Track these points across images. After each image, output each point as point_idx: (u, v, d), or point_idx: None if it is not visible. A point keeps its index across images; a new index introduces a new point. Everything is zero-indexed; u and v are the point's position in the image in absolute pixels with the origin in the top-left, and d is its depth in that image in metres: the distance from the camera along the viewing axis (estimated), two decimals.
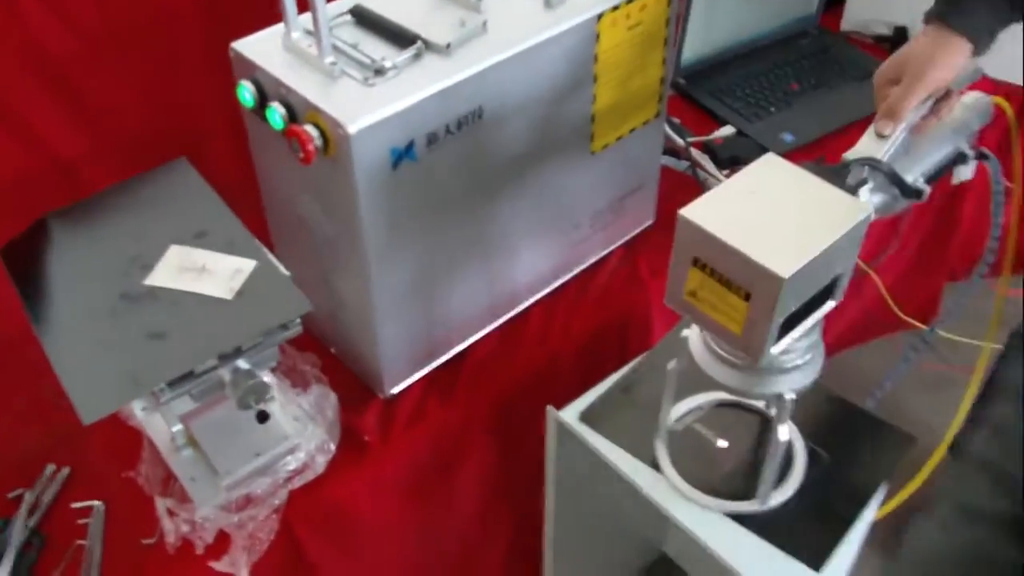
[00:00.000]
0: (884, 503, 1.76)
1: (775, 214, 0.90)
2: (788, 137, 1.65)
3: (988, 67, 1.80)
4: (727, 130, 1.63)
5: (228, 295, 1.04)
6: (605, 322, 1.40)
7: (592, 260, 1.44)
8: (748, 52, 1.86)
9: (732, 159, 1.57)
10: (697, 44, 1.77)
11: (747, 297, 0.87)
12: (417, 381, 1.28)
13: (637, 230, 1.48)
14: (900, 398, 2.11)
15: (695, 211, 0.89)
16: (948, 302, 2.19)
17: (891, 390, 2.14)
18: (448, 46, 1.04)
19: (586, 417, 1.21)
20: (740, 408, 1.24)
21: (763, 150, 1.60)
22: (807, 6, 1.91)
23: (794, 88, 1.77)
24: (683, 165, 1.56)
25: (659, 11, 1.21)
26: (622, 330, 1.43)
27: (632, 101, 1.28)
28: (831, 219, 0.89)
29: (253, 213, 1.24)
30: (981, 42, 1.05)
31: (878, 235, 1.92)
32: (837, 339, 2.15)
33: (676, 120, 1.63)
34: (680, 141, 1.56)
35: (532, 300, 1.38)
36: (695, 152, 1.57)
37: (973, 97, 1.16)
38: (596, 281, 1.43)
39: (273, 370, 1.22)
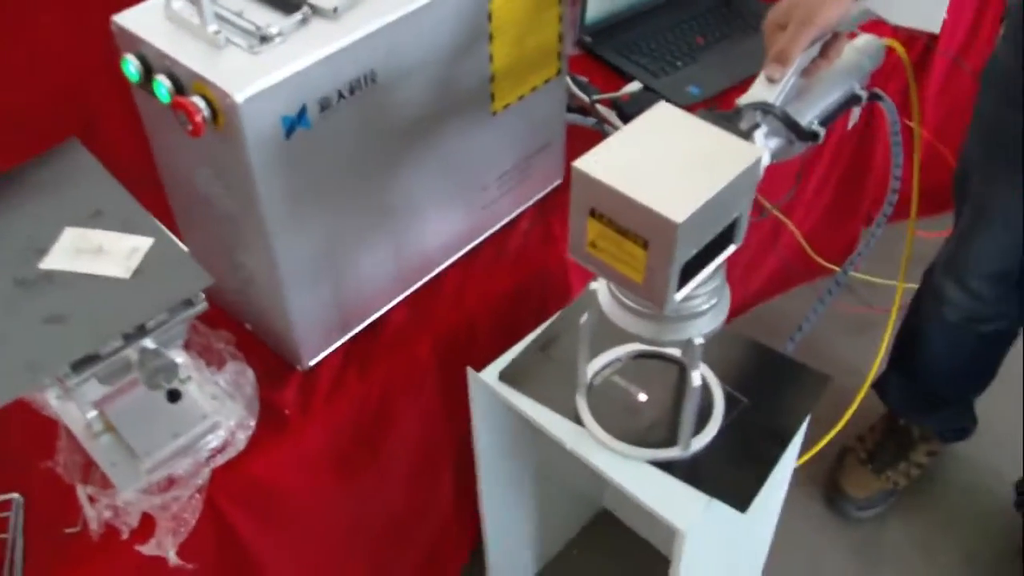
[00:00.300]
0: (816, 443, 1.81)
1: (668, 161, 0.90)
2: (694, 90, 1.66)
3: (891, 15, 1.83)
4: (634, 86, 1.63)
5: (126, 274, 1.02)
6: (521, 282, 1.40)
7: (504, 221, 1.44)
8: (652, 8, 1.85)
9: (639, 114, 1.58)
10: (601, 2, 1.76)
11: (645, 245, 0.88)
12: (334, 352, 1.28)
13: (547, 189, 1.48)
14: (825, 342, 2.16)
15: (588, 162, 0.89)
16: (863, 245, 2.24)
17: (816, 335, 2.19)
18: (335, 10, 1.03)
19: (506, 376, 1.22)
20: (658, 358, 1.26)
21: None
22: None
23: (699, 42, 1.78)
24: (591, 122, 1.56)
25: None
26: (540, 289, 1.44)
27: (531, 59, 1.28)
28: (723, 163, 0.89)
29: (155, 191, 1.22)
30: None
31: (792, 183, 1.94)
32: (760, 289, 2.19)
33: (583, 78, 1.63)
34: (586, 98, 1.56)
35: (445, 265, 1.38)
36: (602, 109, 1.57)
37: (864, 40, 1.18)
38: (509, 242, 1.43)
39: (188, 349, 1.21)
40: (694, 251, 0.89)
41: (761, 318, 2.22)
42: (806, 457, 1.80)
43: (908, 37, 1.90)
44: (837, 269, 2.06)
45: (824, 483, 1.92)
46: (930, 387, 1.81)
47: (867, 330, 2.15)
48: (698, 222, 0.86)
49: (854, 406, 1.81)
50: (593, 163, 0.89)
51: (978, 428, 1.90)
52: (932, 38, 1.93)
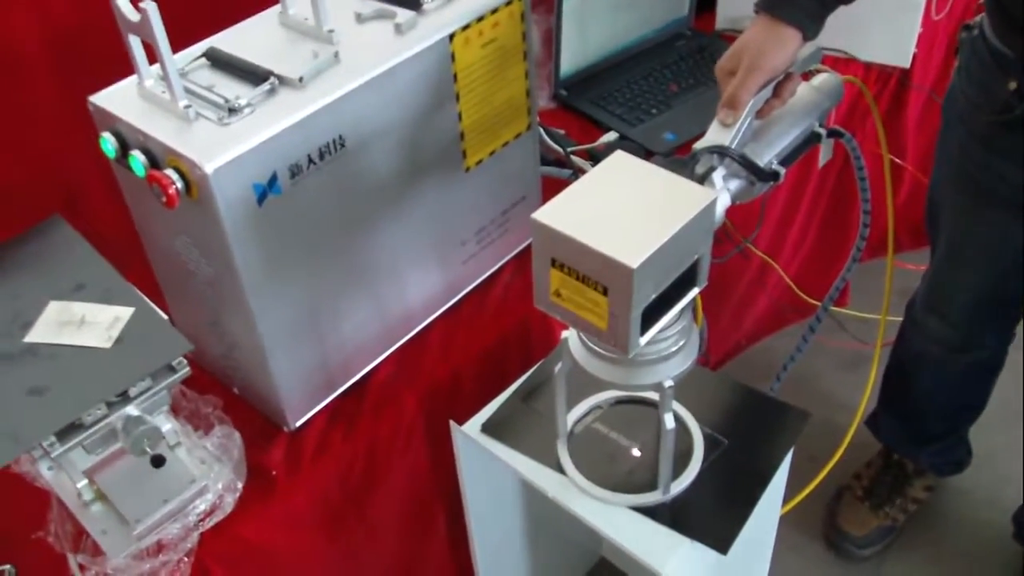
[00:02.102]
0: (810, 482, 1.81)
1: (624, 208, 0.92)
2: (670, 137, 1.69)
3: (860, 52, 1.87)
4: (610, 136, 1.66)
5: (107, 344, 1.05)
6: (505, 334, 1.42)
7: (485, 275, 1.46)
8: (626, 59, 1.89)
9: None
10: (574, 55, 1.80)
11: (605, 291, 0.90)
12: (320, 411, 1.29)
13: (526, 241, 1.50)
14: (820, 379, 2.17)
15: (547, 213, 0.92)
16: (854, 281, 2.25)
17: (811, 372, 2.20)
18: (301, 79, 1.06)
19: (488, 428, 1.23)
20: (638, 403, 1.27)
21: (646, 152, 1.64)
22: (679, 9, 1.96)
23: (673, 90, 1.81)
24: (567, 173, 1.59)
25: (513, 26, 1.24)
26: (524, 340, 1.45)
27: (500, 116, 1.31)
28: (677, 207, 0.91)
29: (141, 262, 1.25)
30: (810, 28, 1.09)
31: (776, 223, 1.97)
32: (752, 330, 2.20)
33: (560, 131, 1.66)
34: (561, 150, 1.60)
35: (429, 320, 1.40)
36: (578, 160, 1.60)
37: (822, 78, 1.20)
38: (491, 295, 1.45)
39: (176, 415, 1.23)
40: (654, 295, 0.91)
41: (756, 358, 2.23)
42: (801, 496, 1.79)
43: (880, 73, 1.94)
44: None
45: (822, 522, 1.91)
46: (920, 420, 1.81)
47: (860, 365, 2.16)
48: (655, 266, 0.88)
49: (845, 443, 1.81)
50: (551, 214, 0.91)
51: (975, 460, 1.90)
52: (904, 73, 1.95)
